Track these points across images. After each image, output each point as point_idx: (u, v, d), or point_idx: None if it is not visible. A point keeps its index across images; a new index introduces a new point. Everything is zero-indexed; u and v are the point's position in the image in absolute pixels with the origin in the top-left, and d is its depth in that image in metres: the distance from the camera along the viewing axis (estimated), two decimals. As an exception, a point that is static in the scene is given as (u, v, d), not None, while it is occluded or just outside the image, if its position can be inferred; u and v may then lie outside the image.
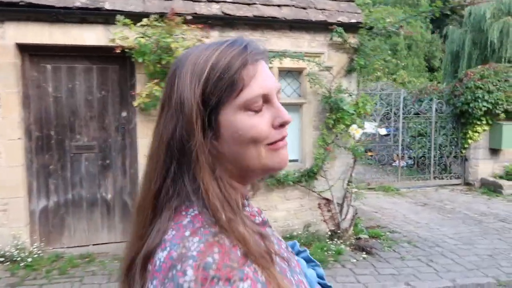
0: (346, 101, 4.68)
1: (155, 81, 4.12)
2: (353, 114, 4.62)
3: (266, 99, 0.65)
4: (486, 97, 8.42)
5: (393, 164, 11.01)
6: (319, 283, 0.87)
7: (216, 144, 0.64)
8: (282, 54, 4.62)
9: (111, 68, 4.49)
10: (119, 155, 4.63)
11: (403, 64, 22.79)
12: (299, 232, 4.98)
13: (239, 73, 0.62)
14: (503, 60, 24.63)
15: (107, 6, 4.17)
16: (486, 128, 8.76)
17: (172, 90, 0.64)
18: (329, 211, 5.22)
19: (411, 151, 10.39)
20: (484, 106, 8.44)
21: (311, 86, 4.88)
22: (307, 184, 5.01)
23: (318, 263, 0.90)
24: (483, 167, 8.88)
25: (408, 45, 38.11)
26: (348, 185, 5.15)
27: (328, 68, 5.01)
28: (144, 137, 4.48)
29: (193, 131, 0.61)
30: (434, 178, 9.21)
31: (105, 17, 4.20)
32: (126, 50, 4.06)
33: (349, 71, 5.17)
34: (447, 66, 27.20)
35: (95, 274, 3.97)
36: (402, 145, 9.54)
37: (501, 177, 8.67)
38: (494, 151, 8.86)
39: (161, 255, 0.57)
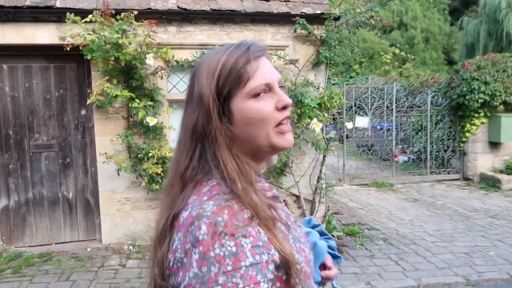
0: (308, 95, 4.51)
1: (106, 78, 4.07)
2: (315, 108, 4.44)
3: (269, 88, 0.79)
4: (483, 89, 8.05)
5: (395, 160, 10.72)
6: (329, 253, 1.00)
7: (231, 128, 0.77)
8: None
9: (68, 66, 4.48)
10: (80, 153, 4.61)
11: (413, 57, 22.15)
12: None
13: (244, 68, 0.76)
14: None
15: (58, 4, 4.15)
16: (485, 120, 8.39)
17: (193, 87, 0.79)
18: (299, 208, 5.07)
19: (414, 145, 10.09)
20: (481, 98, 8.07)
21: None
22: (274, 181, 4.87)
23: (331, 235, 1.03)
24: (483, 161, 8.50)
25: (426, 38, 37.21)
26: (317, 181, 4.99)
27: (293, 61, 4.86)
28: (102, 135, 4.45)
29: (211, 118, 0.75)
30: (431, 173, 8.88)
31: (58, 16, 4.19)
32: (79, 47, 4.03)
33: (317, 64, 5.00)
34: (462, 58, 26.42)
35: (47, 273, 3.95)
36: (396, 139, 9.24)
37: (501, 172, 8.28)
38: (494, 145, 8.47)
39: (184, 214, 0.72)
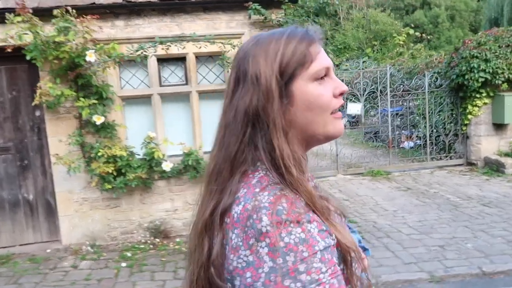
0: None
1: (48, 78, 4.00)
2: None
3: (327, 72, 0.76)
4: (483, 67, 7.50)
5: (401, 146, 10.29)
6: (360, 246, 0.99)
7: (290, 111, 0.73)
8: (191, 38, 4.32)
9: (19, 67, 4.44)
10: (37, 155, 4.59)
11: (429, 37, 21.14)
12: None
13: (308, 49, 0.74)
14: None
15: (0, 4, 4.10)
16: (487, 101, 7.84)
17: (247, 69, 0.74)
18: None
19: (419, 131, 9.62)
20: (481, 77, 7.52)
21: (228, 71, 4.53)
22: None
23: (355, 230, 1.00)
24: (487, 144, 7.97)
25: (451, 16, 35.59)
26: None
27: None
28: (54, 136, 4.40)
29: (272, 99, 0.71)
30: (432, 159, 8.42)
31: (1, 16, 4.13)
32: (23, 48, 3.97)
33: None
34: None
35: (0, 276, 3.97)
36: (392, 125, 8.82)
37: (506, 155, 7.74)
38: (499, 126, 7.91)
39: (237, 209, 0.67)
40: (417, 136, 10.02)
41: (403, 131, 10.31)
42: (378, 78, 8.51)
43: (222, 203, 0.70)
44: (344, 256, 0.69)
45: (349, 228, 1.01)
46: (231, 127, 0.75)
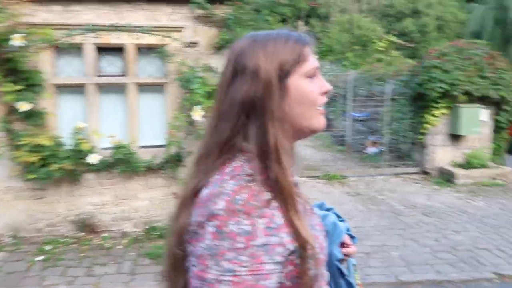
0: (198, 80, 4.19)
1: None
2: (201, 94, 4.13)
3: (315, 72, 0.86)
4: (442, 77, 7.56)
5: (365, 151, 10.33)
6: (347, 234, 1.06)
7: (285, 104, 0.80)
8: (127, 28, 4.20)
9: None
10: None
11: (411, 45, 21.34)
12: (165, 223, 4.60)
13: (302, 50, 0.83)
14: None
15: None
16: (445, 111, 7.91)
17: (246, 63, 0.80)
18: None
19: (380, 137, 9.67)
20: (441, 88, 7.59)
21: (166, 64, 4.43)
22: (171, 172, 4.61)
23: (344, 218, 1.09)
24: (442, 154, 8.05)
25: (439, 26, 35.99)
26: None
27: (192, 44, 4.54)
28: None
29: (271, 91, 0.78)
30: (389, 166, 8.47)
31: None
32: None
33: (221, 47, 4.66)
34: (468, 47, 25.42)
35: None
36: (353, 130, 8.84)
37: (460, 166, 7.82)
38: (455, 137, 8.00)
39: (205, 191, 0.75)
40: (381, 143, 10.10)
41: (369, 137, 10.37)
42: (341, 83, 8.51)
43: (198, 184, 0.78)
44: (301, 252, 0.73)
45: (338, 217, 1.09)
46: (226, 116, 0.81)
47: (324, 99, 0.87)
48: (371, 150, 10.13)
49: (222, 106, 0.83)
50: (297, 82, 0.82)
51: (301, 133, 0.86)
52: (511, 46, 24.54)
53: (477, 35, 25.59)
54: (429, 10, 36.69)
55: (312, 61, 0.85)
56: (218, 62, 4.61)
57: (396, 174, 8.30)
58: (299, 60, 0.82)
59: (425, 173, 8.18)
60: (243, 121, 0.79)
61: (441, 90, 7.58)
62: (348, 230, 1.08)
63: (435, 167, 8.04)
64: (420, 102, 8.12)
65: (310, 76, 0.84)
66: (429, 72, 7.69)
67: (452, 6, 36.23)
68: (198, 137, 4.29)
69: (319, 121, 0.87)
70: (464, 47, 7.87)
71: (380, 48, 18.93)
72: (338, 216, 1.10)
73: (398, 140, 8.58)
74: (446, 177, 7.68)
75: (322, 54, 24.79)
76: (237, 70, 0.83)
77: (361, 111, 10.55)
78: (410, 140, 8.55)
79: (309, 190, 7.20)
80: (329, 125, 11.76)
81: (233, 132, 0.80)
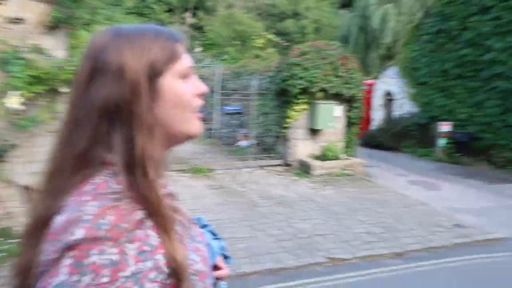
0: (19, 63, 3.64)
1: None
2: (21, 79, 3.60)
3: (189, 72, 0.77)
4: (302, 75, 8.04)
5: (236, 144, 10.49)
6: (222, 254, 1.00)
7: (156, 108, 0.70)
8: None
9: None
10: None
11: (288, 44, 22.61)
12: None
13: (174, 47, 0.74)
14: (381, 47, 25.74)
15: None
16: (305, 107, 8.44)
17: (108, 60, 0.69)
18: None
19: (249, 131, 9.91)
20: (300, 84, 8.05)
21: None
22: (-9, 168, 3.94)
23: (221, 236, 1.01)
24: (303, 147, 8.59)
25: (317, 29, 38.73)
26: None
27: (17, 20, 3.92)
28: None
29: (139, 93, 0.68)
30: (256, 159, 8.75)
31: None
32: None
33: (55, 26, 4.12)
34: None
35: None
36: (221, 123, 8.92)
37: (317, 158, 8.45)
38: (314, 131, 8.60)
39: (58, 219, 0.61)
40: (252, 136, 10.40)
41: (240, 130, 10.58)
42: (211, 76, 8.46)
43: (49, 209, 0.65)
44: (176, 274, 0.64)
45: (213, 235, 0.99)
46: (82, 123, 0.68)
47: (200, 102, 0.79)
48: (243, 143, 10.37)
49: (78, 111, 0.70)
50: (169, 83, 0.73)
51: (175, 139, 0.77)
52: (372, 51, 27.66)
53: (345, 39, 28.26)
54: (308, 13, 39.40)
55: (185, 60, 0.76)
56: (51, 43, 4.09)
57: (262, 167, 8.60)
58: (171, 58, 0.73)
59: (288, 165, 8.65)
60: (105, 128, 0.68)
61: (301, 86, 8.06)
62: (222, 249, 1.00)
63: (296, 159, 8.55)
64: (283, 97, 8.53)
65: (184, 76, 0.75)
66: (291, 69, 8.10)
67: (327, 11, 39.45)
68: (20, 128, 3.74)
69: (195, 126, 0.78)
70: (322, 47, 8.48)
71: (258, 45, 19.56)
72: (214, 234, 1.02)
73: (264, 134, 8.89)
74: (304, 169, 8.22)
75: (206, 47, 24.77)
76: (96, 69, 0.70)
77: (232, 105, 10.72)
78: (275, 133, 8.94)
79: (173, 184, 6.99)
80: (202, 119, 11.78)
81: (92, 142, 0.68)
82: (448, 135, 10.64)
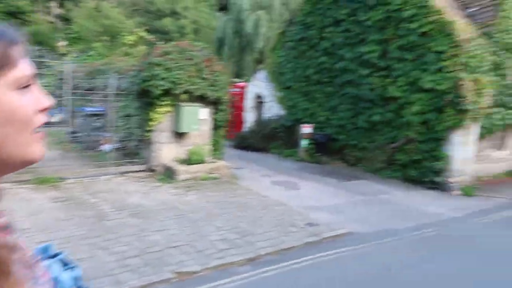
0: None
1: None
2: None
3: (30, 82, 0.64)
4: (165, 75, 7.63)
5: (99, 149, 9.51)
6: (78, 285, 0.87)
7: None
8: None
9: None
10: None
11: (162, 42, 21.96)
12: None
13: (7, 51, 0.60)
14: (255, 51, 26.69)
15: None
16: (169, 109, 8.05)
17: None
18: None
19: (119, 133, 9.07)
20: (162, 85, 7.63)
21: None
22: None
23: (76, 264, 0.87)
24: (168, 151, 8.19)
25: (196, 29, 38.27)
26: None
27: None
28: None
29: None
30: (116, 165, 8.03)
31: None
32: None
33: None
34: (215, 52, 28.10)
35: None
36: (74, 125, 8.01)
37: (182, 162, 8.14)
38: (179, 134, 8.27)
39: None
40: (115, 140, 9.57)
41: (103, 133, 9.65)
42: (61, 75, 7.48)
43: None
44: None
45: (65, 265, 0.85)
46: None
47: (44, 119, 0.65)
48: (105, 147, 9.49)
49: None
50: (0, 94, 0.59)
51: (9, 165, 0.63)
52: (247, 55, 28.50)
53: (221, 42, 28.55)
54: (186, 13, 38.85)
55: (24, 67, 0.62)
56: None
57: (123, 173, 7.93)
58: (3, 64, 0.59)
59: (152, 170, 8.15)
60: None
61: (163, 87, 7.65)
62: (77, 280, 0.84)
63: (161, 164, 8.11)
64: (146, 98, 8.00)
65: (21, 86, 0.61)
66: (152, 69, 7.63)
67: (205, 12, 39.45)
68: None
69: (35, 149, 0.64)
70: (186, 48, 8.20)
71: (129, 42, 18.43)
72: (66, 263, 0.85)
73: (127, 138, 8.24)
74: (169, 174, 7.83)
75: (71, 41, 22.43)
76: None
77: (94, 106, 9.75)
78: (138, 137, 8.36)
79: (8, 199, 5.92)
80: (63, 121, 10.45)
81: None
82: (309, 136, 11.38)
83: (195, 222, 5.42)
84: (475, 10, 9.41)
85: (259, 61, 24.33)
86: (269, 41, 22.54)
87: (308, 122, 11.81)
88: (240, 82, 17.61)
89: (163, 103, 7.90)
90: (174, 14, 38.17)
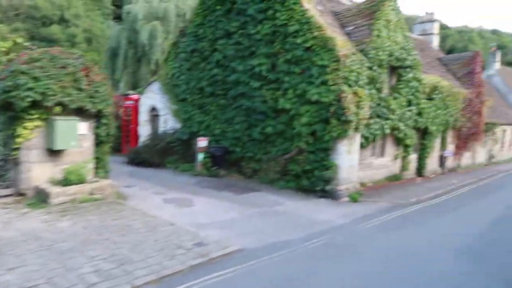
0: None
1: None
2: None
3: None
4: (32, 85, 6.65)
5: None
6: None
7: None
8: None
9: None
10: None
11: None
12: None
13: None
14: (152, 62, 25.73)
15: None
16: (40, 124, 7.05)
17: None
18: None
19: None
20: (29, 97, 6.64)
21: None
22: None
23: None
24: (40, 171, 7.14)
25: (88, 39, 35.45)
26: None
27: None
28: None
29: None
30: (-29, 191, 6.75)
31: None
32: None
33: None
34: (107, 62, 26.35)
35: None
36: None
37: (58, 183, 7.16)
38: (55, 152, 7.29)
39: None
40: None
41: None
42: None
43: None
44: None
45: None
46: None
47: None
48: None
49: None
50: None
51: None
52: (143, 66, 27.33)
53: (115, 52, 26.93)
54: (77, 21, 35.97)
55: None
56: None
57: (-19, 200, 6.69)
58: None
59: (21, 194, 7.03)
60: None
61: (30, 99, 6.66)
62: None
63: (31, 186, 7.04)
64: (10, 112, 6.90)
65: None
66: (16, 78, 6.61)
67: (99, 21, 37.00)
68: None
69: None
70: (58, 55, 7.31)
71: (2, 49, 16.21)
72: None
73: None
74: (41, 198, 6.82)
75: None
76: None
77: None
78: (2, 156, 7.16)
79: None
80: None
81: None
82: (205, 149, 11.09)
83: (64, 253, 4.69)
84: (352, 29, 10.16)
85: (156, 73, 23.51)
86: (165, 52, 21.91)
87: (204, 135, 11.53)
88: (134, 94, 16.65)
89: (31, 117, 6.89)
90: (63, 21, 35.13)
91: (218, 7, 11.15)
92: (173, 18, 25.74)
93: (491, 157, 19.79)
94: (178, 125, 12.87)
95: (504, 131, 21.23)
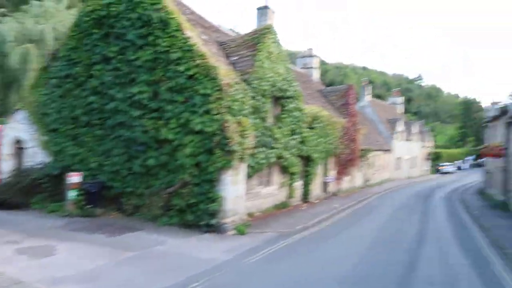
0: None
1: None
2: None
3: None
4: None
5: None
6: None
7: None
8: None
9: None
10: None
11: None
12: None
13: None
14: (24, 88, 22.99)
15: None
16: None
17: None
18: None
19: None
20: None
21: None
22: None
23: None
24: None
25: None
26: None
27: None
28: None
29: None
30: None
31: None
32: None
33: None
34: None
35: None
36: None
37: None
38: None
39: None
40: None
41: None
42: None
43: None
44: None
45: None
46: None
47: None
48: None
49: None
50: None
51: None
52: (13, 93, 24.20)
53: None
54: None
55: None
56: None
57: None
58: None
59: None
60: None
61: None
62: None
63: None
64: None
65: None
66: None
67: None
68: None
69: None
70: None
71: None
72: None
73: None
74: None
75: None
76: None
77: None
78: None
79: None
80: None
81: None
82: (78, 186, 9.83)
83: None
84: (236, 59, 10.20)
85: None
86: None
87: (78, 170, 10.26)
88: (-5, 124, 14.37)
89: None
90: None
91: (95, 31, 10.27)
92: (50, 41, 23.49)
93: (366, 180, 21.69)
94: (48, 159, 11.31)
95: (376, 156, 23.58)
